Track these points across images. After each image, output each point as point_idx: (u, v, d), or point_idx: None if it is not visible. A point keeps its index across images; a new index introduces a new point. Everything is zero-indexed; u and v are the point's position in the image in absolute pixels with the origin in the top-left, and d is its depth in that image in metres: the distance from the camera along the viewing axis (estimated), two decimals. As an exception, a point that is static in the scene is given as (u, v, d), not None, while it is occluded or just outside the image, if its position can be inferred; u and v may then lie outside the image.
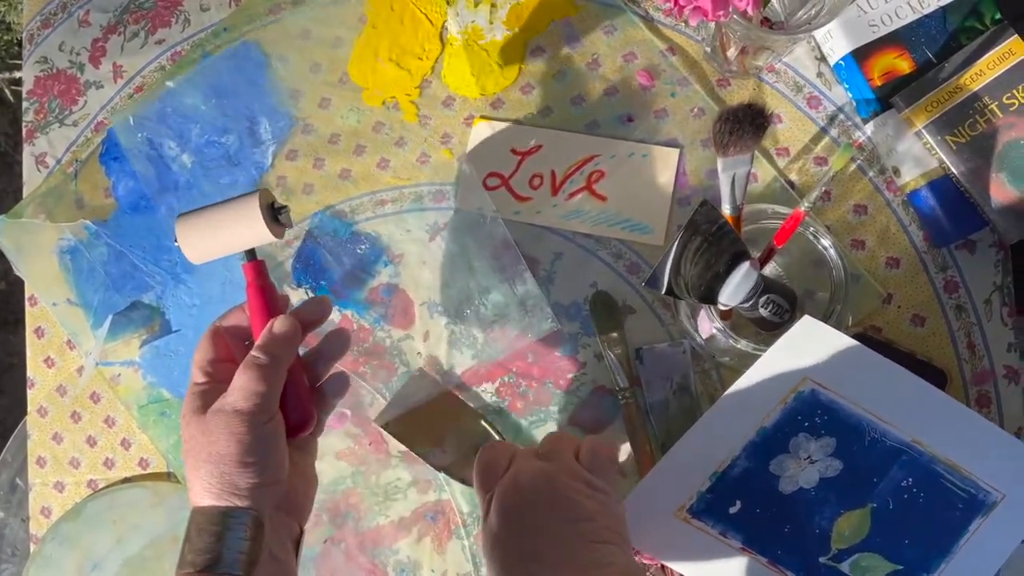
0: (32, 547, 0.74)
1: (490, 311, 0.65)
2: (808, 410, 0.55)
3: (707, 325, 0.59)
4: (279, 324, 0.50)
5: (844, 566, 0.55)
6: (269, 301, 0.51)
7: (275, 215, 0.52)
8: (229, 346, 0.52)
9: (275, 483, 0.48)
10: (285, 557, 0.49)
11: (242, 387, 0.48)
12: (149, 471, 0.72)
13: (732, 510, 0.55)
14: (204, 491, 0.47)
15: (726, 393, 0.56)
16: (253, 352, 0.49)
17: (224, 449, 0.46)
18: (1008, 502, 0.55)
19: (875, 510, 0.54)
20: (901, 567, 0.54)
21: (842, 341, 0.54)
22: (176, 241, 0.51)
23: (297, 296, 0.69)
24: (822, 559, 0.55)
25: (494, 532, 0.50)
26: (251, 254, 0.52)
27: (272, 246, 0.69)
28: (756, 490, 0.55)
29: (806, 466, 0.55)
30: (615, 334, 0.63)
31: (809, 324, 0.54)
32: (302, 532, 0.52)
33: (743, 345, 0.57)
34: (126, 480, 0.72)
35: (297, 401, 0.51)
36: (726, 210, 0.57)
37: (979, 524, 0.55)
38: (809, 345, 0.55)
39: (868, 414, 0.55)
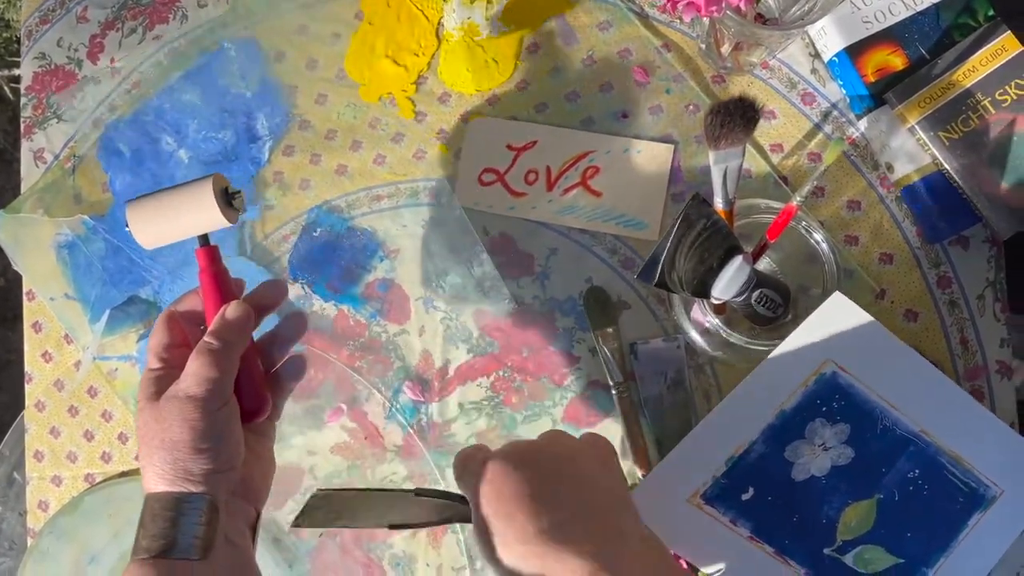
0: (29, 541, 0.74)
1: (447, 292, 0.65)
2: (827, 393, 0.56)
3: (701, 319, 0.60)
4: (232, 310, 0.50)
5: (848, 558, 0.55)
6: (222, 286, 0.51)
7: (229, 200, 0.51)
8: (184, 331, 0.52)
9: (230, 469, 0.48)
10: (241, 542, 0.49)
11: (195, 373, 0.47)
12: (146, 465, 0.72)
13: (745, 497, 0.55)
14: (158, 477, 0.47)
15: (750, 375, 0.56)
16: (206, 338, 0.49)
17: (177, 435, 0.46)
18: (1006, 498, 0.55)
19: (881, 501, 0.55)
20: (902, 560, 0.55)
21: (866, 321, 0.55)
22: (127, 226, 0.51)
23: (294, 291, 0.69)
24: (827, 550, 0.55)
25: (496, 506, 0.46)
26: (204, 239, 0.51)
27: (268, 241, 0.70)
28: (770, 477, 0.56)
29: (820, 453, 0.55)
30: (609, 329, 0.63)
31: (838, 300, 0.55)
32: (259, 516, 0.52)
33: (736, 339, 0.57)
34: (123, 474, 0.73)
35: (251, 386, 0.51)
36: (718, 204, 0.58)
37: (978, 519, 0.55)
38: (836, 323, 0.55)
39: (882, 400, 0.55)
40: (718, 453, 0.56)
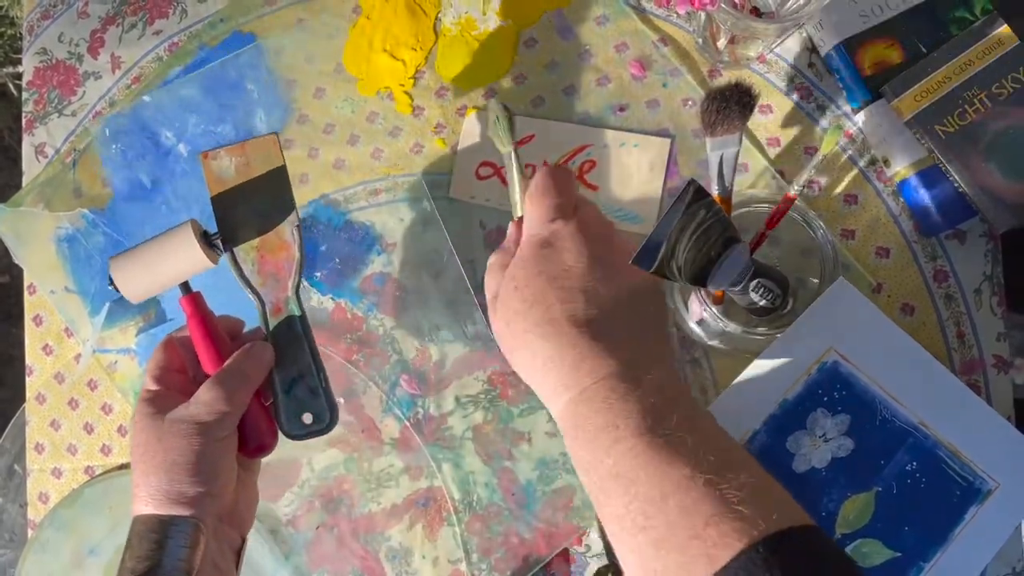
0: (30, 533, 0.75)
1: (437, 346, 0.66)
2: (829, 383, 0.56)
3: (697, 308, 0.60)
4: (258, 347, 0.52)
5: (846, 551, 0.55)
6: (211, 330, 0.53)
7: (209, 242, 0.53)
8: (181, 357, 0.54)
9: (220, 495, 0.49)
10: (225, 566, 0.50)
11: (207, 402, 0.49)
12: (145, 458, 0.73)
13: None
14: (149, 498, 0.48)
15: (754, 362, 0.56)
16: (225, 369, 0.51)
17: (179, 457, 0.48)
18: (1003, 492, 0.55)
19: (879, 494, 0.55)
20: (899, 554, 0.55)
21: (868, 309, 0.56)
22: (111, 284, 0.52)
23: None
24: None
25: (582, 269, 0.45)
26: (186, 287, 0.53)
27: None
28: (771, 468, 0.55)
29: (820, 445, 0.56)
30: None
31: (842, 287, 0.56)
32: (243, 543, 0.53)
33: (733, 328, 0.57)
34: (122, 467, 0.73)
35: (258, 426, 0.53)
36: (715, 191, 0.58)
37: (974, 513, 0.55)
38: (839, 310, 0.56)
39: (882, 390, 0.56)
40: None
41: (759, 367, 0.57)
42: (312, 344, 0.54)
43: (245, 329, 0.57)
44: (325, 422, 0.53)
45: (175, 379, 0.52)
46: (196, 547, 0.47)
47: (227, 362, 0.51)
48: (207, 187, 0.55)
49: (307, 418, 0.53)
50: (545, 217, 0.47)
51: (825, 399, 0.56)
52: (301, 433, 0.53)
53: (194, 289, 0.54)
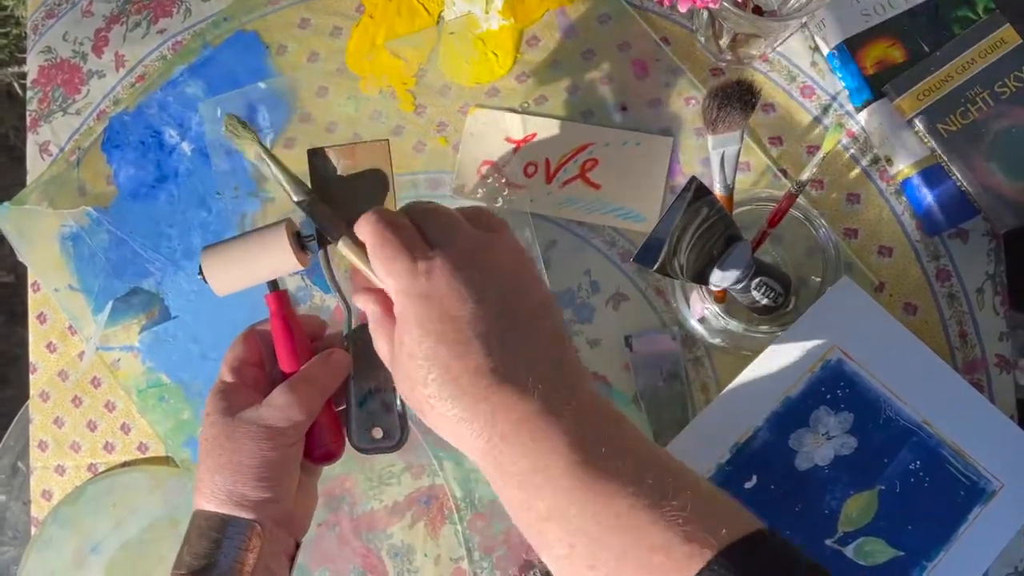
0: (33, 530, 0.75)
1: None
2: (832, 380, 0.56)
3: (699, 307, 0.60)
4: (338, 357, 0.51)
5: (848, 550, 0.55)
6: (293, 329, 0.52)
7: (301, 244, 0.51)
8: (260, 351, 0.53)
9: (282, 500, 0.49)
10: (280, 571, 0.50)
11: (280, 407, 0.48)
12: (148, 455, 0.73)
13: (748, 485, 0.56)
14: (212, 495, 0.48)
15: (757, 359, 0.56)
16: (302, 375, 0.50)
17: (247, 460, 0.47)
18: (1007, 492, 0.55)
19: (883, 493, 0.55)
20: (902, 553, 0.55)
21: (872, 307, 0.56)
22: (200, 273, 0.51)
23: (294, 283, 0.69)
24: (828, 541, 0.55)
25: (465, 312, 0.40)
26: (273, 284, 0.52)
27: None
28: (773, 465, 0.56)
29: (823, 442, 0.56)
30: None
31: (846, 285, 0.56)
32: (298, 547, 0.52)
33: (734, 326, 0.57)
34: (125, 464, 0.73)
35: (326, 433, 0.52)
36: (717, 189, 0.58)
37: (978, 513, 0.55)
38: (843, 308, 0.56)
39: (885, 389, 0.56)
40: (724, 439, 0.56)
41: (762, 364, 0.57)
42: None
43: (328, 331, 0.56)
44: (395, 440, 0.52)
45: (251, 373, 0.52)
46: (253, 550, 0.47)
47: (304, 367, 0.50)
48: (309, 183, 0.52)
49: (377, 432, 0.52)
50: (403, 270, 0.41)
51: (828, 397, 0.56)
52: (369, 447, 0.52)
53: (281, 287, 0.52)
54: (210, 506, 0.48)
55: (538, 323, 0.41)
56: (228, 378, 0.51)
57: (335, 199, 0.51)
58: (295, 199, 0.51)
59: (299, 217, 0.55)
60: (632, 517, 0.35)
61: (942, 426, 0.55)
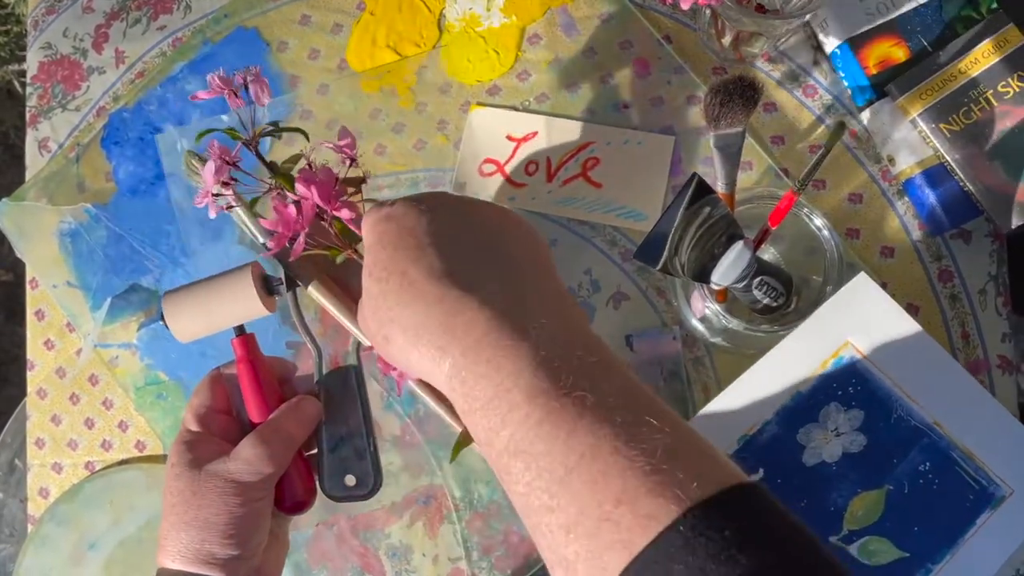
0: (30, 528, 0.74)
1: None
2: (844, 377, 0.55)
3: (700, 305, 0.60)
4: (307, 405, 0.49)
5: (853, 548, 0.54)
6: (261, 375, 0.50)
7: (268, 288, 0.50)
8: (227, 397, 0.51)
9: (252, 556, 0.47)
10: None
11: (249, 460, 0.47)
12: (146, 453, 0.72)
13: (754, 478, 0.55)
14: (178, 553, 0.46)
15: (768, 354, 0.56)
16: (271, 425, 0.48)
17: (212, 518, 0.46)
18: (1016, 498, 0.54)
19: (890, 492, 0.54)
20: (908, 555, 0.54)
21: (888, 304, 0.55)
22: (162, 319, 0.49)
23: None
24: (832, 539, 0.55)
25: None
26: (240, 328, 0.50)
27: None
28: (780, 459, 0.55)
29: (832, 439, 0.55)
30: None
31: (863, 281, 0.55)
32: None
33: (736, 326, 0.57)
34: (123, 462, 0.73)
35: (297, 482, 0.50)
36: (719, 186, 0.57)
37: (986, 518, 0.54)
38: (858, 304, 0.55)
39: (897, 388, 0.55)
40: (732, 430, 0.55)
41: (774, 357, 0.56)
42: (366, 403, 0.51)
43: (297, 374, 0.54)
44: (368, 488, 0.50)
45: (218, 421, 0.50)
46: None
47: (273, 416, 0.49)
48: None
49: (349, 480, 0.50)
50: (372, 210, 0.42)
51: (839, 393, 0.55)
52: (341, 495, 0.50)
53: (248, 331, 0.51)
54: (175, 565, 0.46)
55: (506, 238, 0.40)
56: (193, 427, 0.49)
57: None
58: (262, 241, 0.50)
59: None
60: (596, 458, 0.31)
61: (954, 428, 0.54)
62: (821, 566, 0.30)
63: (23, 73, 1.36)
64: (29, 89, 0.77)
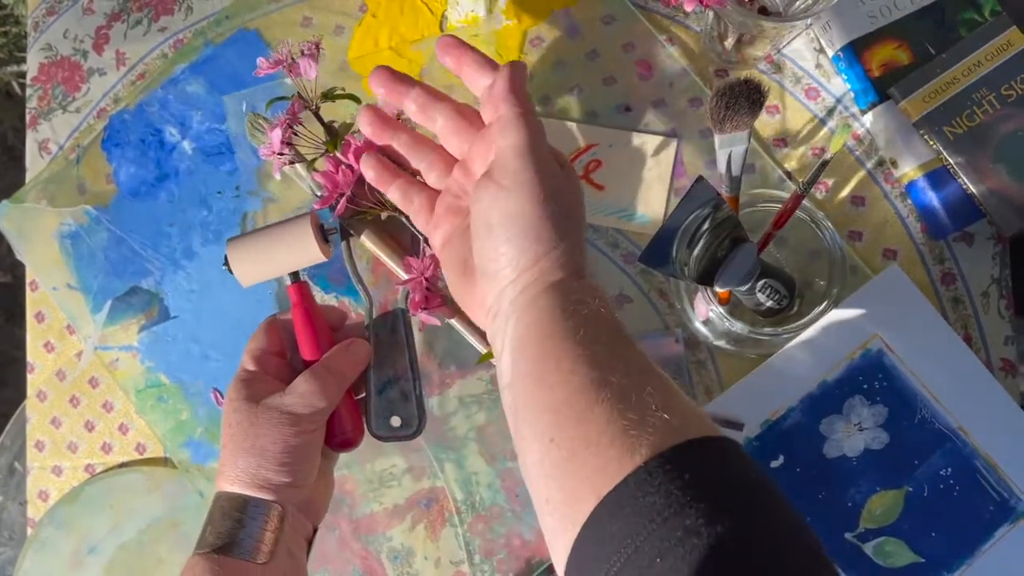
0: (29, 531, 0.74)
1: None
2: (871, 371, 0.55)
3: (703, 308, 0.59)
4: (358, 347, 0.53)
5: (868, 547, 0.54)
6: (315, 320, 0.53)
7: (324, 236, 0.53)
8: (282, 340, 0.54)
9: (303, 485, 0.50)
10: (299, 554, 0.51)
11: (302, 394, 0.49)
12: (146, 456, 0.72)
13: (774, 464, 0.55)
14: (235, 478, 0.49)
15: (795, 341, 0.55)
16: (323, 363, 0.51)
17: (268, 446, 0.48)
18: None
19: (910, 494, 0.54)
20: (923, 560, 0.53)
21: (919, 301, 0.55)
22: (226, 264, 0.52)
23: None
24: (848, 535, 0.54)
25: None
26: (295, 276, 0.54)
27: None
28: (801, 448, 0.55)
29: (854, 432, 0.55)
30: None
31: (894, 274, 0.55)
32: (315, 532, 0.53)
33: (739, 328, 0.57)
34: (123, 465, 0.73)
35: (346, 420, 0.53)
36: (724, 189, 0.57)
37: (1005, 532, 0.53)
38: (889, 297, 0.55)
39: (924, 389, 0.55)
40: (756, 414, 0.55)
41: (802, 343, 0.55)
42: (412, 349, 0.54)
43: (348, 321, 0.57)
44: (413, 428, 0.53)
45: (273, 362, 0.53)
46: (274, 531, 0.48)
47: (325, 356, 0.52)
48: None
49: (395, 421, 0.53)
50: (531, 106, 0.46)
51: (865, 387, 0.54)
52: (387, 435, 0.53)
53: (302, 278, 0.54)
54: (233, 488, 0.49)
55: (579, 213, 0.45)
56: (250, 366, 0.52)
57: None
58: (319, 194, 0.53)
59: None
60: (583, 396, 0.36)
61: (979, 437, 0.54)
62: (779, 521, 0.33)
63: (23, 74, 1.36)
64: (29, 90, 0.77)
